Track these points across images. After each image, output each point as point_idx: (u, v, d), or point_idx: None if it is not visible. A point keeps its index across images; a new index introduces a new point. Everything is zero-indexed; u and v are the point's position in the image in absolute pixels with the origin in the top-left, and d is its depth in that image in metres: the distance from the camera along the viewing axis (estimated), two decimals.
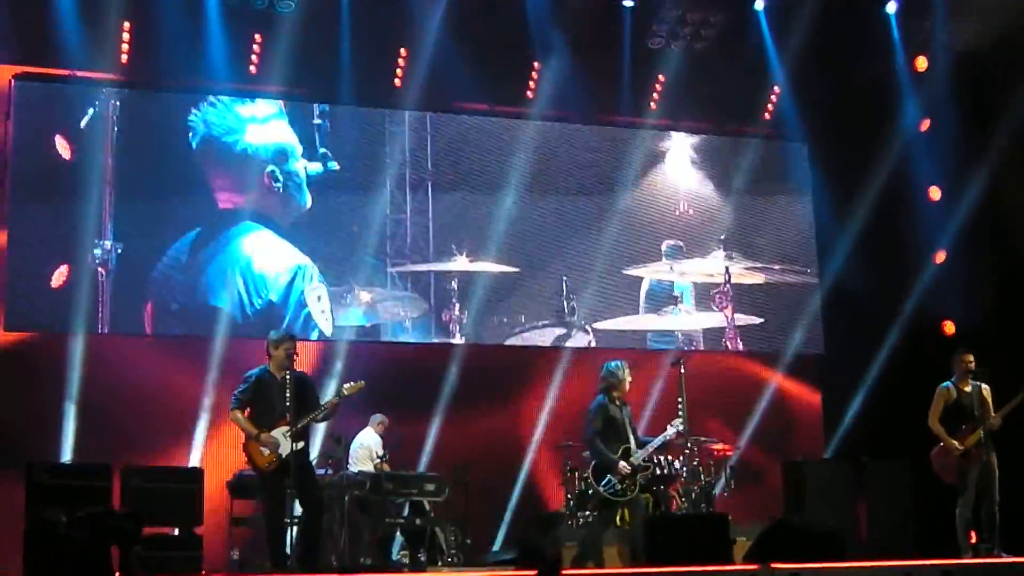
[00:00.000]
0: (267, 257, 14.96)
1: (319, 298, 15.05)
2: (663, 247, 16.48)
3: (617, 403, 11.91)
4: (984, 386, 12.19)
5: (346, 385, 11.12)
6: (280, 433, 10.58)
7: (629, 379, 11.93)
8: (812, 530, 11.44)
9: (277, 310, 14.85)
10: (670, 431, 12.00)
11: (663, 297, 16.43)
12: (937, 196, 15.64)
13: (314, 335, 14.88)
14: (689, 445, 12.58)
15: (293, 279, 14.97)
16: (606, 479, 11.70)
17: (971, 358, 12.21)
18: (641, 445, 11.82)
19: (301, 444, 10.61)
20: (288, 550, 10.76)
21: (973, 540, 12.43)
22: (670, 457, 12.81)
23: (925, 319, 15.49)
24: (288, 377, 10.69)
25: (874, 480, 14.07)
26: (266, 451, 10.58)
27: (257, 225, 14.98)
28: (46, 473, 11.54)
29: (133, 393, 13.93)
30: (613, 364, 12.11)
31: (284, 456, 10.54)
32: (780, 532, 11.26)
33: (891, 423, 14.95)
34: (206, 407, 14.05)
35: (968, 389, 12.18)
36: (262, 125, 15.19)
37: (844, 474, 14.19)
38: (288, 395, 10.59)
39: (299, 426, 10.57)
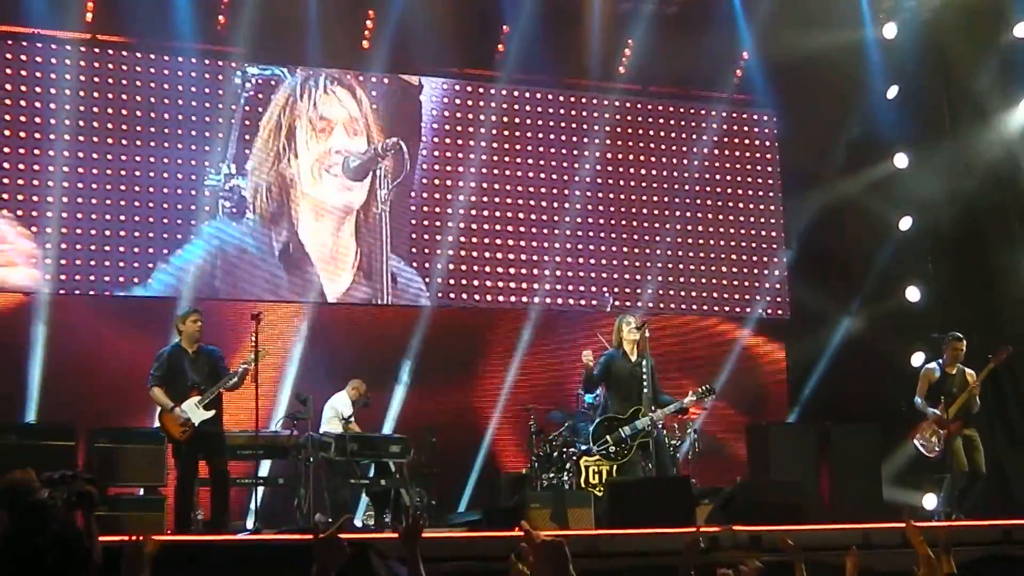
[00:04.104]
0: None
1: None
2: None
3: (632, 357, 11.81)
4: (969, 371, 12.29)
5: (251, 357, 11.44)
6: (192, 403, 11.10)
7: (629, 333, 11.73)
8: (774, 494, 11.58)
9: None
10: (689, 398, 11.95)
11: None
12: (903, 163, 15.69)
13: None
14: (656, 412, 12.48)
15: None
16: (603, 440, 11.72)
17: (963, 346, 12.31)
18: (660, 404, 11.72)
19: (212, 413, 11.12)
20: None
21: (932, 506, 12.58)
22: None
23: (890, 285, 15.58)
24: (199, 351, 11.33)
25: (838, 444, 14.16)
26: (179, 422, 11.03)
27: None
28: (11, 433, 11.51)
29: (97, 353, 13.89)
30: (618, 318, 12.15)
31: (197, 425, 11.07)
32: (743, 495, 11.39)
33: (855, 388, 15.06)
34: None
35: (953, 372, 12.30)
36: None
37: (808, 438, 14.28)
38: (199, 367, 11.25)
39: (208, 396, 11.10)
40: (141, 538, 5.10)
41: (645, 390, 11.62)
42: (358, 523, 13.18)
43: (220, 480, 11.24)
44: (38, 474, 5.94)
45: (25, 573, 4.44)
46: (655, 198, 16.65)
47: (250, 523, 11.93)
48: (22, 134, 14.14)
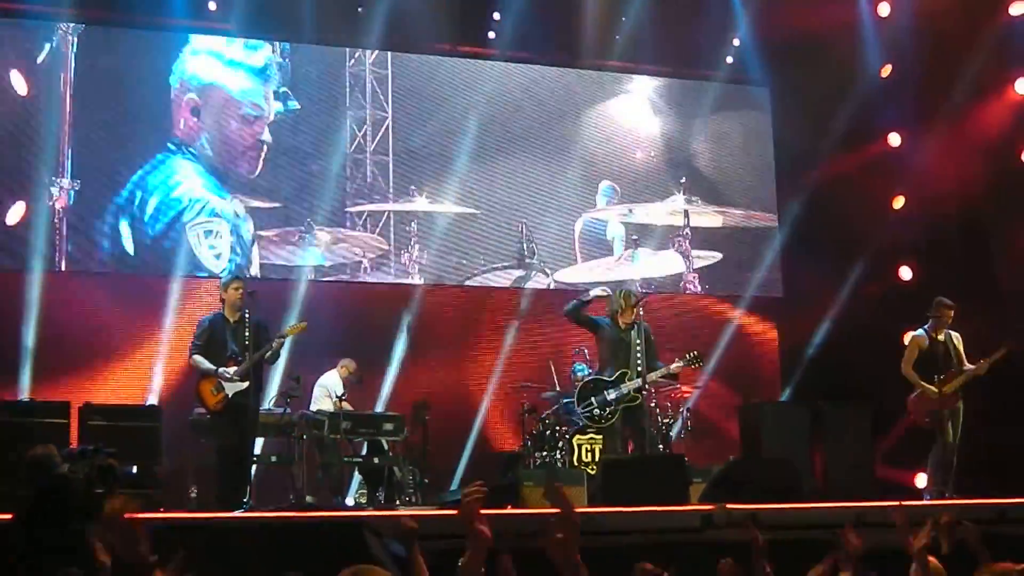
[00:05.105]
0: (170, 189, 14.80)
1: (209, 233, 14.87)
2: (600, 186, 16.47)
3: (622, 326, 11.86)
4: (955, 334, 12.28)
5: (288, 326, 11.52)
6: (227, 374, 10.92)
7: (625, 304, 11.83)
8: (767, 472, 11.59)
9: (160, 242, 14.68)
10: (676, 363, 12.01)
11: (595, 241, 16.45)
12: (897, 142, 15.67)
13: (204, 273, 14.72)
14: (647, 388, 12.51)
15: (180, 213, 14.77)
16: (587, 401, 11.77)
17: (951, 312, 12.28)
18: (652, 370, 11.78)
19: (246, 384, 10.91)
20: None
21: (925, 484, 12.59)
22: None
23: (883, 264, 15.57)
24: (241, 320, 11.04)
25: (830, 423, 14.17)
26: (216, 391, 10.90)
27: (179, 155, 14.83)
28: (5, 411, 11.49)
29: (90, 331, 13.88)
30: (615, 291, 12.22)
31: (232, 396, 10.90)
32: (736, 473, 11.40)
33: (848, 367, 15.05)
34: (163, 345, 14.03)
35: (941, 337, 12.26)
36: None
37: (800, 417, 14.28)
38: (239, 338, 10.99)
39: (244, 367, 10.88)
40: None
41: (638, 358, 11.65)
42: (350, 502, 13.21)
43: (241, 455, 11.05)
44: (59, 450, 5.94)
45: (45, 546, 4.45)
46: (648, 176, 16.65)
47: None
48: (13, 109, 14.09)
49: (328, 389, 13.57)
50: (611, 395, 11.69)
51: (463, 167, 15.71)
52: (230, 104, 15.07)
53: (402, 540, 4.98)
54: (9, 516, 4.59)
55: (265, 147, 15.12)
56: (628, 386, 11.65)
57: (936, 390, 12.04)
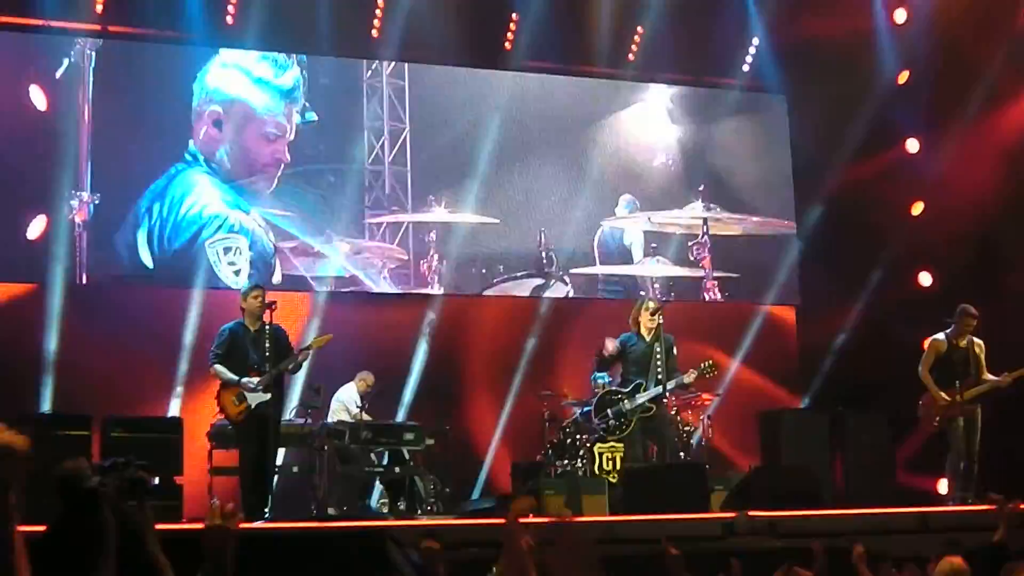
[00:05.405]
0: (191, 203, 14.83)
1: (228, 250, 14.88)
2: (620, 201, 16.48)
3: (647, 338, 11.94)
4: (979, 342, 12.26)
5: (313, 338, 11.57)
6: (249, 384, 10.93)
7: (643, 315, 12.03)
8: (789, 480, 11.61)
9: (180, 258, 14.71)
10: (690, 374, 12.07)
11: (614, 248, 16.47)
12: (915, 148, 15.66)
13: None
14: (666, 396, 12.53)
15: (200, 230, 14.79)
16: (603, 413, 11.84)
17: (975, 322, 12.24)
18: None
19: (269, 396, 10.92)
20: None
21: (946, 490, 12.57)
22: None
23: (902, 270, 15.55)
24: (261, 329, 11.05)
25: (850, 430, 14.16)
26: (238, 402, 10.90)
27: (196, 167, 14.86)
28: (26, 423, 11.52)
29: (111, 343, 13.92)
30: (638, 301, 12.29)
31: (254, 407, 10.89)
32: (757, 481, 11.42)
33: (867, 374, 15.03)
34: (184, 356, 14.06)
35: (963, 344, 12.24)
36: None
37: (820, 424, 14.27)
38: (260, 347, 11.00)
39: (266, 379, 10.89)
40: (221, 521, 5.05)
41: (659, 370, 11.70)
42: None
43: (259, 469, 11.05)
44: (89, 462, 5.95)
45: (76, 561, 4.47)
46: (666, 184, 16.66)
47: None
48: (33, 124, 14.16)
49: (344, 403, 13.60)
50: (626, 406, 11.75)
51: (481, 176, 15.71)
52: (252, 121, 15.10)
53: (426, 561, 5.01)
54: (41, 528, 4.62)
55: (283, 166, 15.15)
56: (643, 396, 11.70)
57: (946, 397, 12.06)
